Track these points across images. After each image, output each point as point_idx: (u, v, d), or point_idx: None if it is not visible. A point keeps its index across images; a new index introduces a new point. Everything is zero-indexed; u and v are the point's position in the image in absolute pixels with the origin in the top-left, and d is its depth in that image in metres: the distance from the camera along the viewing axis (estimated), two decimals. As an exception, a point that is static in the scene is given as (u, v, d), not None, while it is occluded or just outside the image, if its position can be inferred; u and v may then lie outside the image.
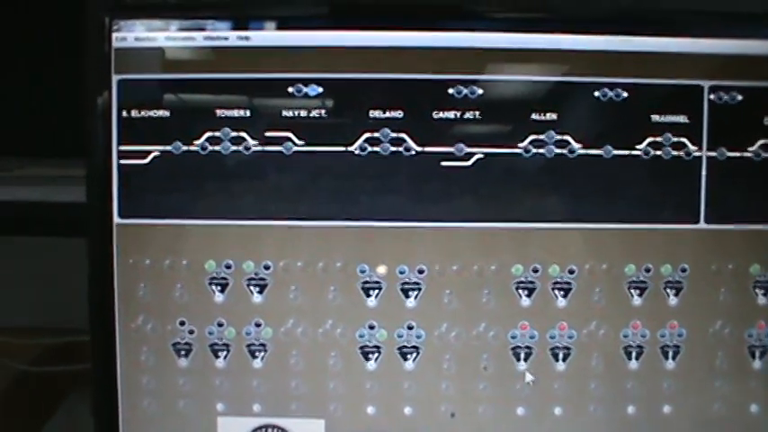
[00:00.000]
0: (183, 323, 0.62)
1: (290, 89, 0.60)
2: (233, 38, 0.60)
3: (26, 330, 0.96)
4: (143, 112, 0.61)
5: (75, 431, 0.97)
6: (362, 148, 0.60)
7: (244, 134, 0.61)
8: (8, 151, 0.95)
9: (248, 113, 0.61)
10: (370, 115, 0.60)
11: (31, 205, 0.90)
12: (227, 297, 0.62)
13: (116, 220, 0.61)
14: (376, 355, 0.62)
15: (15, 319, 0.98)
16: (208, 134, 0.61)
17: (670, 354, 0.62)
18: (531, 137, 0.61)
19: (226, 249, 0.61)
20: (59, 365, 0.94)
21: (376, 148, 0.60)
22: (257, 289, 0.61)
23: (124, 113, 0.61)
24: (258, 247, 0.61)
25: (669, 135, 0.61)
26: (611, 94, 0.61)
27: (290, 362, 0.62)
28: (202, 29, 0.61)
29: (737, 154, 0.61)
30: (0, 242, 0.98)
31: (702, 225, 0.61)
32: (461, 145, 0.60)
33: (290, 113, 0.60)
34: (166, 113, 0.61)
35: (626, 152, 0.61)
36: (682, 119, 0.61)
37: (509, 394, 0.62)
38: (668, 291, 0.62)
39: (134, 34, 0.61)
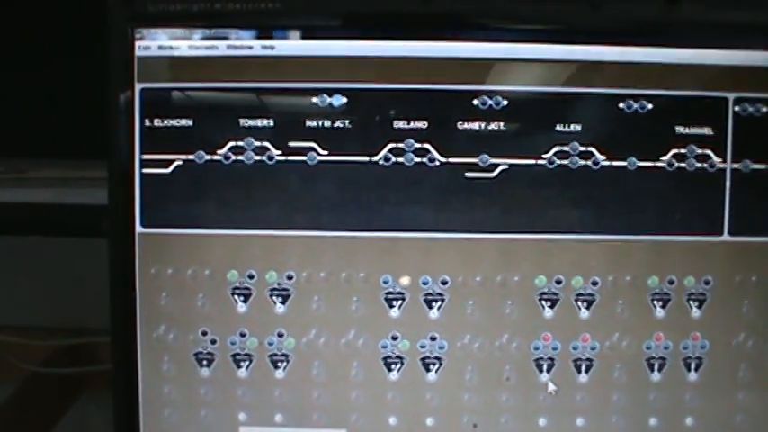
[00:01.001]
0: (205, 333, 0.62)
1: (315, 99, 0.60)
2: (257, 47, 0.60)
3: (39, 331, 0.96)
4: (166, 121, 0.61)
5: (85, 432, 0.98)
6: (386, 159, 0.60)
7: (267, 144, 0.60)
8: (23, 153, 0.95)
9: (272, 123, 0.60)
10: (395, 126, 0.60)
11: (46, 207, 0.90)
12: (249, 307, 0.61)
13: (138, 229, 0.61)
14: (398, 365, 0.62)
15: (27, 320, 0.98)
16: (231, 144, 0.60)
17: (693, 366, 0.62)
18: (556, 148, 0.61)
19: (248, 259, 0.61)
20: (71, 366, 0.94)
21: (400, 159, 0.60)
22: (280, 299, 0.61)
23: (147, 122, 0.61)
24: (281, 258, 0.61)
25: (693, 147, 0.61)
26: (635, 105, 0.61)
27: (312, 372, 0.62)
28: (226, 38, 0.60)
29: (762, 166, 0.61)
30: (13, 243, 0.98)
31: (726, 237, 0.61)
32: (485, 156, 0.60)
33: (314, 123, 0.60)
34: (189, 122, 0.61)
35: (650, 164, 0.61)
36: (706, 131, 0.61)
37: (531, 405, 0.62)
38: (691, 303, 0.62)
39: (157, 43, 0.60)
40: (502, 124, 0.60)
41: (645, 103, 0.61)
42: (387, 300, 0.61)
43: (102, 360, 0.89)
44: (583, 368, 0.62)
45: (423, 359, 0.62)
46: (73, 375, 0.95)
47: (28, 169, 0.94)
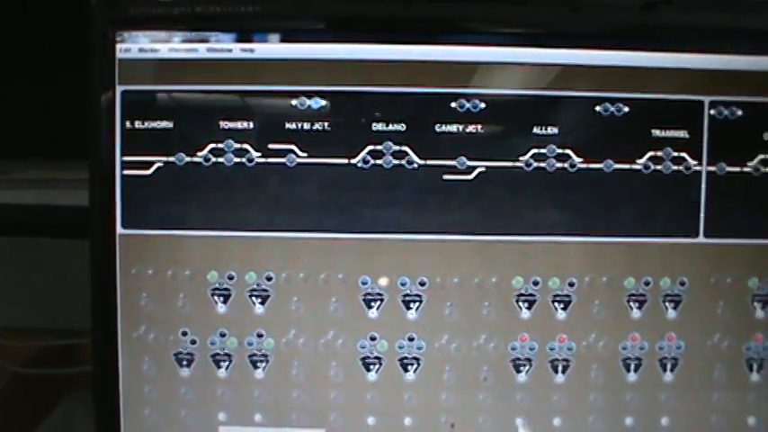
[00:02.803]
0: (185, 333, 0.62)
1: (294, 101, 0.61)
2: (237, 50, 0.61)
3: (22, 332, 0.96)
4: (146, 123, 0.61)
5: (69, 433, 0.98)
6: (365, 161, 0.61)
7: (247, 146, 0.61)
8: (5, 154, 0.95)
9: (252, 125, 0.61)
10: (373, 128, 0.61)
11: (27, 208, 0.90)
12: (229, 308, 0.62)
13: (119, 230, 0.61)
14: (377, 366, 0.62)
15: (10, 321, 0.97)
16: (211, 146, 0.61)
17: (668, 366, 0.63)
18: (533, 151, 0.61)
19: (228, 260, 0.62)
20: (55, 367, 0.94)
21: (378, 161, 0.61)
22: (259, 300, 0.62)
23: (128, 124, 0.61)
24: (260, 259, 0.62)
25: (669, 150, 0.61)
26: (612, 108, 0.61)
27: (291, 372, 0.62)
28: (206, 41, 0.61)
29: (737, 169, 0.62)
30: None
31: (701, 239, 0.62)
32: (463, 158, 0.61)
33: (294, 126, 0.61)
34: (170, 124, 0.61)
35: (626, 166, 0.61)
36: (682, 134, 0.61)
37: (508, 405, 0.63)
38: (667, 304, 0.62)
39: (138, 45, 0.61)
40: (480, 127, 0.61)
41: (621, 106, 0.61)
42: (365, 301, 0.62)
43: (85, 361, 0.89)
44: (559, 368, 0.62)
45: (401, 359, 0.62)
46: (56, 376, 0.95)
47: (10, 170, 0.94)
